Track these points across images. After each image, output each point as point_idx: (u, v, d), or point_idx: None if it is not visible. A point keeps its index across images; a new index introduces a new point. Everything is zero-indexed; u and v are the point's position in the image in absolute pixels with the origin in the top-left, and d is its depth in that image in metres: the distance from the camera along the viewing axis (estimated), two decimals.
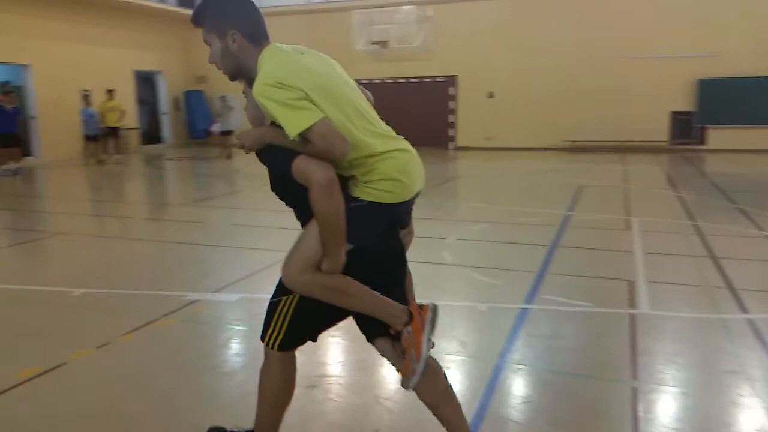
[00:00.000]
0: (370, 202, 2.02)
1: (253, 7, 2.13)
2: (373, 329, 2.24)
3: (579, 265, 5.55)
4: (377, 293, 2.11)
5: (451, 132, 19.20)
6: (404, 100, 19.34)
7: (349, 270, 2.06)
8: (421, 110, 19.20)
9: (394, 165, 2.05)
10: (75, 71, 16.90)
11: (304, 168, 1.90)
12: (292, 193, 2.05)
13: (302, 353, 3.61)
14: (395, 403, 3.03)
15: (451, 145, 19.20)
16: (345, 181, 2.04)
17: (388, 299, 2.13)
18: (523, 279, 5.04)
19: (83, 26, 17.31)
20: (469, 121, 18.85)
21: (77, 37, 17.10)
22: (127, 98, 18.77)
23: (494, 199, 9.40)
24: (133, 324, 4.12)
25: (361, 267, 2.09)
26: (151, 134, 21.35)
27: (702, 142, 16.89)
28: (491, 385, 3.21)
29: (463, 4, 18.31)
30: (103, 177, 13.80)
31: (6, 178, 13.15)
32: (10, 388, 3.21)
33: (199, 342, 3.96)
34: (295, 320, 2.18)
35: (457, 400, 2.31)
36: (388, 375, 3.38)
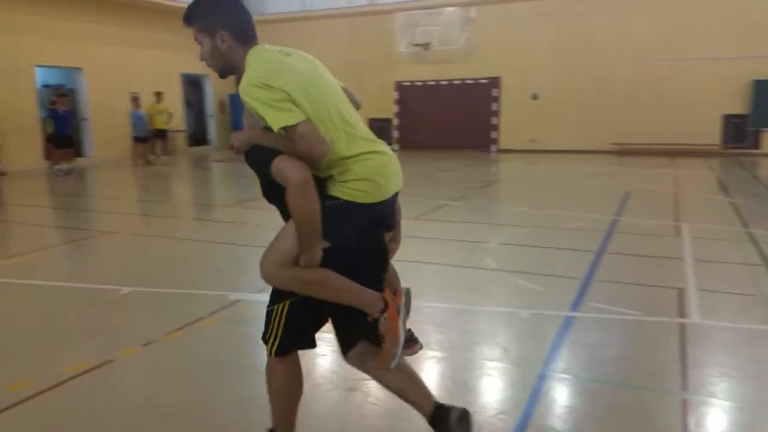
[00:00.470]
0: (346, 201, 2.08)
1: (242, 9, 2.21)
2: (350, 336, 2.33)
3: (627, 272, 5.39)
4: (352, 282, 2.16)
5: (493, 134, 19.00)
6: (446, 102, 19.24)
7: (327, 267, 2.12)
8: (463, 112, 19.06)
9: (370, 166, 2.11)
10: (125, 74, 17.38)
11: (281, 168, 1.97)
12: (276, 195, 2.11)
13: (341, 356, 3.62)
14: None
15: (493, 147, 19.00)
16: (323, 181, 2.10)
17: (362, 287, 2.18)
18: (568, 285, 4.92)
19: (133, 30, 17.79)
20: (513, 123, 18.61)
21: (127, 41, 17.59)
22: (174, 101, 19.20)
23: (538, 203, 9.25)
24: (177, 323, 4.19)
25: (339, 266, 2.14)
26: (198, 136, 21.79)
27: (756, 145, 16.26)
28: (535, 394, 3.13)
29: (507, 5, 18.11)
30: (150, 177, 14.14)
31: (59, 178, 13.62)
32: (61, 383, 3.30)
33: (240, 341, 4.00)
34: (288, 327, 2.25)
35: (417, 379, 2.40)
36: (430, 380, 3.34)
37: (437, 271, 5.52)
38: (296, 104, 1.96)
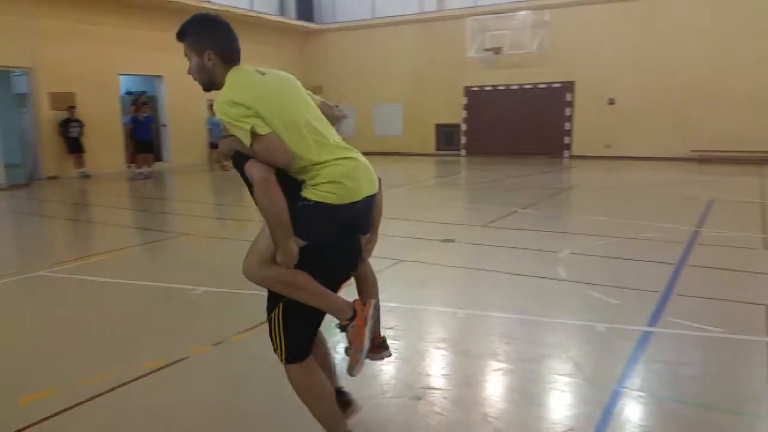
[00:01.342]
0: (316, 202, 2.25)
1: (228, 32, 2.44)
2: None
3: (709, 286, 5.10)
4: (326, 289, 2.34)
5: (566, 140, 18.52)
6: (517, 107, 18.93)
7: (303, 265, 2.28)
8: (534, 117, 18.70)
9: (339, 170, 2.28)
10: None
11: (249, 169, 2.21)
12: (253, 193, 2.30)
13: (406, 363, 3.60)
14: (505, 423, 2.90)
15: (565, 153, 18.51)
16: (299, 185, 2.31)
17: (336, 295, 2.38)
18: (645, 299, 4.69)
19: None
20: (587, 128, 18.08)
21: None
22: None
23: (613, 212, 8.91)
24: (247, 323, 4.27)
25: (314, 264, 2.31)
26: None
27: None
28: (608, 411, 2.98)
29: (582, 8, 17.64)
30: (225, 182, 14.58)
31: (139, 181, 14.27)
32: (138, 378, 3.42)
33: None
34: (289, 332, 2.38)
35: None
36: (497, 392, 3.26)
37: (505, 280, 5.40)
38: (262, 119, 2.18)
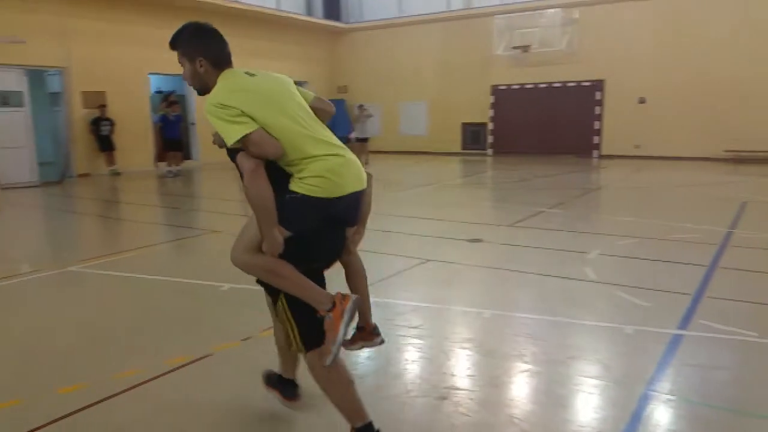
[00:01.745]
0: (303, 195, 2.36)
1: (218, 39, 2.59)
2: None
3: (742, 288, 4.97)
4: (307, 279, 2.44)
5: (595, 139, 18.26)
6: (545, 106, 18.74)
7: (287, 254, 2.39)
8: (563, 116, 18.48)
9: (324, 165, 2.38)
10: None
11: (240, 161, 2.36)
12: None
13: (431, 363, 3.58)
14: (531, 425, 2.87)
15: (595, 153, 18.26)
16: (288, 179, 2.41)
17: (316, 286, 2.45)
18: (676, 301, 4.60)
19: (238, 39, 18.45)
20: (617, 127, 17.81)
21: (233, 50, 18.32)
22: None
23: (643, 213, 8.76)
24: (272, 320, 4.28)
25: (298, 253, 2.42)
26: None
27: None
28: (637, 416, 2.93)
29: (612, 5, 17.38)
30: None
31: (168, 179, 14.47)
32: (166, 373, 3.47)
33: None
34: (298, 318, 2.48)
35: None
36: (523, 393, 3.22)
37: (532, 280, 5.34)
38: (250, 117, 2.32)
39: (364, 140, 17.14)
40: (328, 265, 2.70)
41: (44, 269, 6.11)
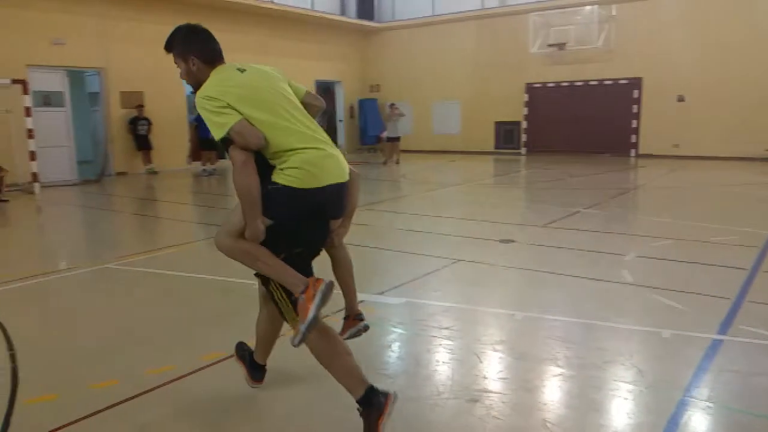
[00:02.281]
0: (283, 185, 2.52)
1: (209, 39, 2.77)
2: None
3: None
4: (284, 264, 2.60)
5: (633, 138, 17.90)
6: (581, 104, 18.44)
7: (269, 242, 2.57)
8: (599, 115, 18.15)
9: (304, 158, 2.54)
10: None
11: (231, 153, 2.53)
12: None
13: (462, 365, 3.55)
14: (564, 430, 2.81)
15: (632, 152, 17.90)
16: (272, 170, 2.58)
17: (290, 269, 2.59)
18: (715, 305, 4.47)
19: (273, 39, 18.78)
20: (655, 126, 17.42)
21: (266, 50, 18.57)
22: None
23: (682, 214, 8.55)
24: None
25: (279, 241, 2.60)
26: None
27: None
28: (673, 422, 2.85)
29: (650, 1, 17.00)
30: None
31: (203, 178, 14.69)
32: (197, 370, 3.51)
33: (363, 341, 3.99)
34: (294, 301, 2.62)
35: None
36: (557, 398, 3.16)
37: (566, 282, 5.25)
38: (235, 109, 2.51)
39: (396, 139, 17.12)
40: (311, 254, 2.84)
41: (82, 266, 6.25)
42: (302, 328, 2.51)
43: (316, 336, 2.62)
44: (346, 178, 2.70)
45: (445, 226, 7.93)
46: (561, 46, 18.09)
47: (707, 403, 3.03)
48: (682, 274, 5.51)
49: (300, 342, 2.54)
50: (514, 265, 5.87)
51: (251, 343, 3.28)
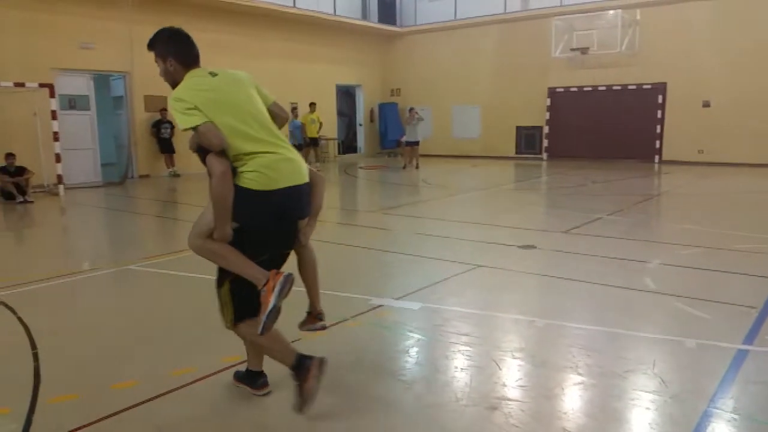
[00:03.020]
0: (243, 187, 2.73)
1: (188, 43, 2.96)
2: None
3: None
4: (247, 260, 2.80)
5: (656, 144, 17.66)
6: (604, 110, 18.26)
7: (237, 241, 2.79)
8: (622, 120, 17.95)
9: (261, 161, 2.75)
10: (285, 86, 18.51)
11: (209, 162, 2.74)
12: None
13: (481, 372, 3.51)
14: None
15: (656, 158, 17.66)
16: (235, 173, 2.77)
17: (254, 265, 2.80)
18: (742, 315, 4.37)
19: (293, 44, 18.90)
20: (679, 132, 17.17)
21: (288, 55, 18.71)
22: (328, 111, 20.12)
23: (707, 221, 8.41)
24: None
25: (246, 241, 2.80)
26: (348, 144, 22.67)
27: None
28: None
29: (676, 6, 16.78)
30: None
31: None
32: (217, 372, 3.52)
33: (381, 346, 4.01)
34: (236, 302, 2.91)
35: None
36: (577, 406, 3.11)
37: (588, 290, 5.18)
38: (201, 111, 2.69)
39: (415, 144, 17.10)
40: (282, 253, 3.06)
41: (104, 267, 6.33)
42: (263, 317, 2.73)
43: (251, 328, 2.88)
44: (304, 180, 2.91)
45: (464, 231, 7.88)
46: (584, 50, 17.93)
47: (733, 415, 2.96)
48: (707, 282, 5.41)
49: (264, 330, 2.76)
50: (535, 272, 5.81)
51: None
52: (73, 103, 13.91)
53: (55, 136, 12.30)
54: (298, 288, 3.36)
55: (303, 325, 3.33)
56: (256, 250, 2.85)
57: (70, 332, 4.41)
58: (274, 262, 2.94)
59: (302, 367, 2.89)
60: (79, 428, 2.89)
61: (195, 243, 2.90)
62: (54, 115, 12.29)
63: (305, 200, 2.96)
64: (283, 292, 2.75)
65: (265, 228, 2.87)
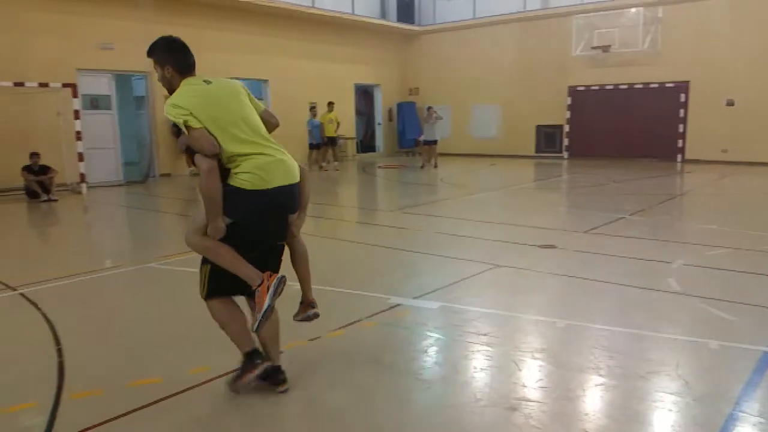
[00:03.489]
0: (237, 187, 2.92)
1: (183, 51, 3.12)
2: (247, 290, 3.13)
3: None
4: (242, 259, 2.98)
5: (679, 143, 17.41)
6: (625, 108, 18.04)
7: (230, 237, 2.96)
8: (644, 119, 17.72)
9: (254, 163, 2.94)
10: (304, 85, 18.59)
11: (198, 161, 2.93)
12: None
13: (501, 372, 3.48)
14: None
15: (678, 157, 17.41)
16: (228, 173, 2.96)
17: (248, 265, 2.98)
18: (766, 316, 4.30)
19: (313, 44, 18.94)
20: (702, 131, 16.90)
21: (307, 55, 18.75)
22: (347, 110, 20.14)
23: (731, 221, 8.27)
24: (341, 321, 4.32)
25: (239, 236, 2.98)
26: (366, 143, 22.68)
27: None
28: None
29: (699, 3, 16.52)
30: (322, 182, 14.92)
31: None
32: (233, 371, 3.51)
33: (400, 346, 4.01)
34: (211, 282, 3.10)
35: (278, 340, 3.29)
36: (598, 408, 3.08)
37: (610, 291, 5.12)
38: (195, 117, 2.87)
39: (433, 143, 17.05)
40: (275, 246, 3.21)
41: (125, 265, 6.40)
42: (259, 316, 2.91)
43: (219, 305, 3.14)
44: (295, 180, 3.11)
45: (483, 231, 7.84)
46: (605, 48, 17.74)
47: (759, 419, 2.91)
48: (732, 283, 5.31)
49: (258, 328, 2.96)
50: (555, 272, 5.76)
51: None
52: (95, 102, 14.08)
53: (78, 136, 12.48)
54: (292, 284, 3.42)
55: (297, 315, 3.45)
56: (250, 245, 3.03)
57: (93, 329, 4.47)
58: (266, 255, 3.12)
59: (251, 362, 3.11)
60: (103, 423, 2.93)
61: (192, 240, 3.05)
62: (77, 115, 12.47)
63: (295, 197, 3.16)
64: (277, 293, 2.92)
65: (259, 223, 3.04)
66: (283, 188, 3.01)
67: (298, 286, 3.45)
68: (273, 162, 3.00)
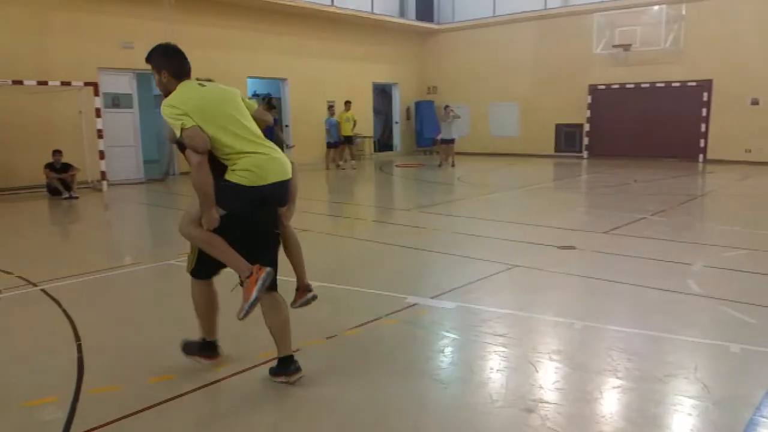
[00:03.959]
0: (234, 183, 3.10)
1: (179, 57, 3.30)
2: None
3: None
4: (233, 251, 3.14)
5: (701, 143, 17.16)
6: (646, 107, 17.82)
7: (224, 228, 3.12)
8: (666, 118, 17.49)
9: (251, 161, 3.12)
10: (322, 84, 18.63)
11: (188, 156, 3.08)
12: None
13: (518, 373, 3.46)
14: None
15: (701, 157, 17.17)
16: (225, 169, 3.14)
17: (239, 257, 3.14)
18: None
19: (331, 43, 18.98)
20: (726, 130, 16.64)
21: (326, 54, 18.80)
22: (364, 109, 20.14)
23: (754, 223, 8.14)
24: (358, 320, 4.33)
25: (232, 227, 3.14)
26: (383, 142, 22.67)
27: None
28: None
29: (722, 1, 16.26)
30: (339, 181, 14.96)
31: None
32: (252, 367, 3.57)
33: (416, 345, 4.00)
34: (198, 263, 3.34)
35: (288, 329, 3.40)
36: (615, 411, 3.05)
37: (628, 292, 5.07)
38: (191, 118, 3.02)
39: (450, 141, 16.98)
40: (268, 235, 3.33)
41: (145, 262, 6.47)
42: (246, 306, 3.06)
43: (201, 287, 3.41)
44: (288, 176, 3.27)
45: (501, 230, 7.80)
46: (626, 47, 17.54)
47: None
48: (753, 286, 5.23)
49: (244, 316, 3.10)
50: (574, 273, 5.71)
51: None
52: (116, 101, 14.24)
53: (99, 134, 12.64)
54: (289, 278, 3.43)
55: (295, 302, 3.61)
56: (241, 234, 3.18)
57: (112, 325, 4.52)
58: (258, 245, 3.26)
59: (210, 350, 3.54)
60: (121, 418, 2.97)
61: (186, 231, 3.21)
62: (98, 113, 12.63)
63: (287, 191, 3.33)
64: (265, 285, 3.07)
65: (251, 215, 3.19)
66: (276, 184, 3.19)
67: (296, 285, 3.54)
68: (268, 160, 3.17)
